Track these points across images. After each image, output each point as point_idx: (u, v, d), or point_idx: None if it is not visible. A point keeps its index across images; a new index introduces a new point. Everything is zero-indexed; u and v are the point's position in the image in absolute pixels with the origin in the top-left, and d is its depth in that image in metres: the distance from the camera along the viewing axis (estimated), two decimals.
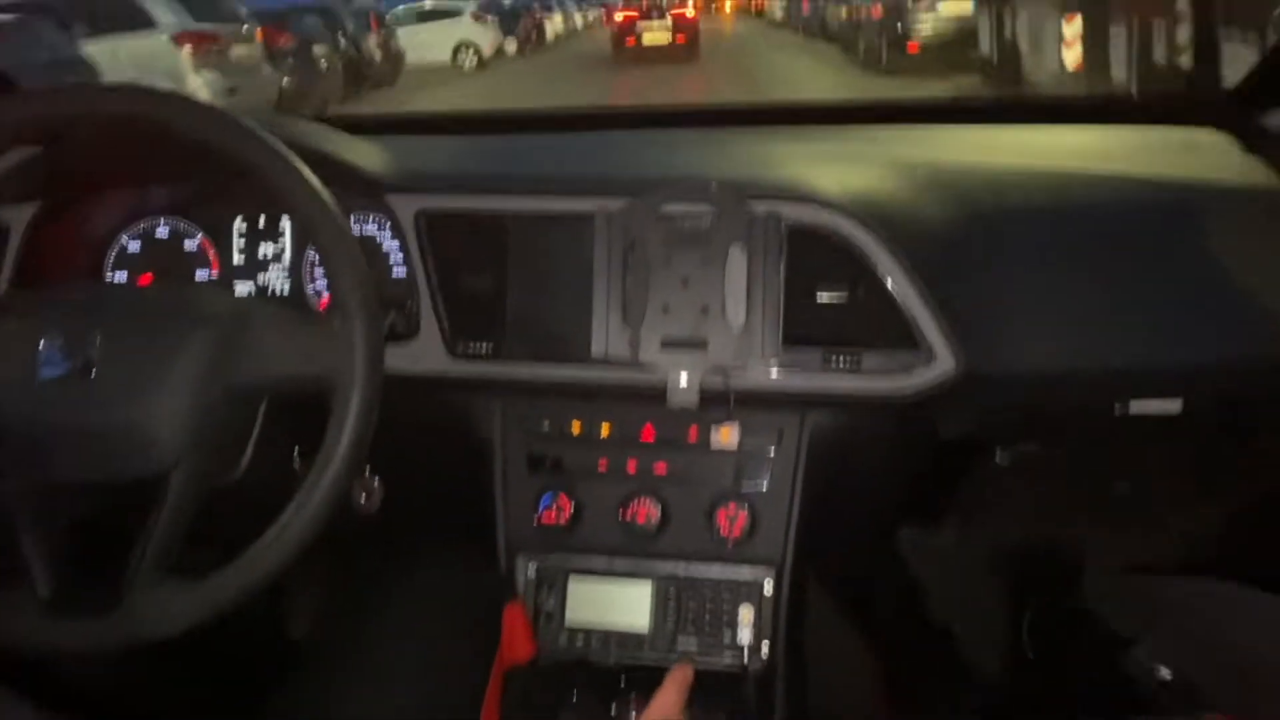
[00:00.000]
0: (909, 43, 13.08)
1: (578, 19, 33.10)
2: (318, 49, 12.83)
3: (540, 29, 25.47)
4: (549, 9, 28.09)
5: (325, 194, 1.08)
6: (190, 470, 1.07)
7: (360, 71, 14.31)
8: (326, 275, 1.09)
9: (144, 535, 1.05)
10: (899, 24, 13.27)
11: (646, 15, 18.07)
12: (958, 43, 12.42)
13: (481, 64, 19.41)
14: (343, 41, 14.03)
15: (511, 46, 22.17)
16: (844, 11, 16.92)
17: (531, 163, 1.60)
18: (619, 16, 18.86)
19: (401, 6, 20.11)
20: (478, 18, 20.31)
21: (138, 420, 1.06)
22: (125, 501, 1.08)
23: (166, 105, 1.08)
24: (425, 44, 18.75)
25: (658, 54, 17.62)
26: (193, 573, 1.06)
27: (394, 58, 16.23)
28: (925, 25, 12.96)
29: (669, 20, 17.96)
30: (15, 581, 1.07)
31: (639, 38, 18.04)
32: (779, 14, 32.10)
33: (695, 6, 20.07)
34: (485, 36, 20.11)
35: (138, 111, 1.08)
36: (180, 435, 1.07)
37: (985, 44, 11.66)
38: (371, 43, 15.24)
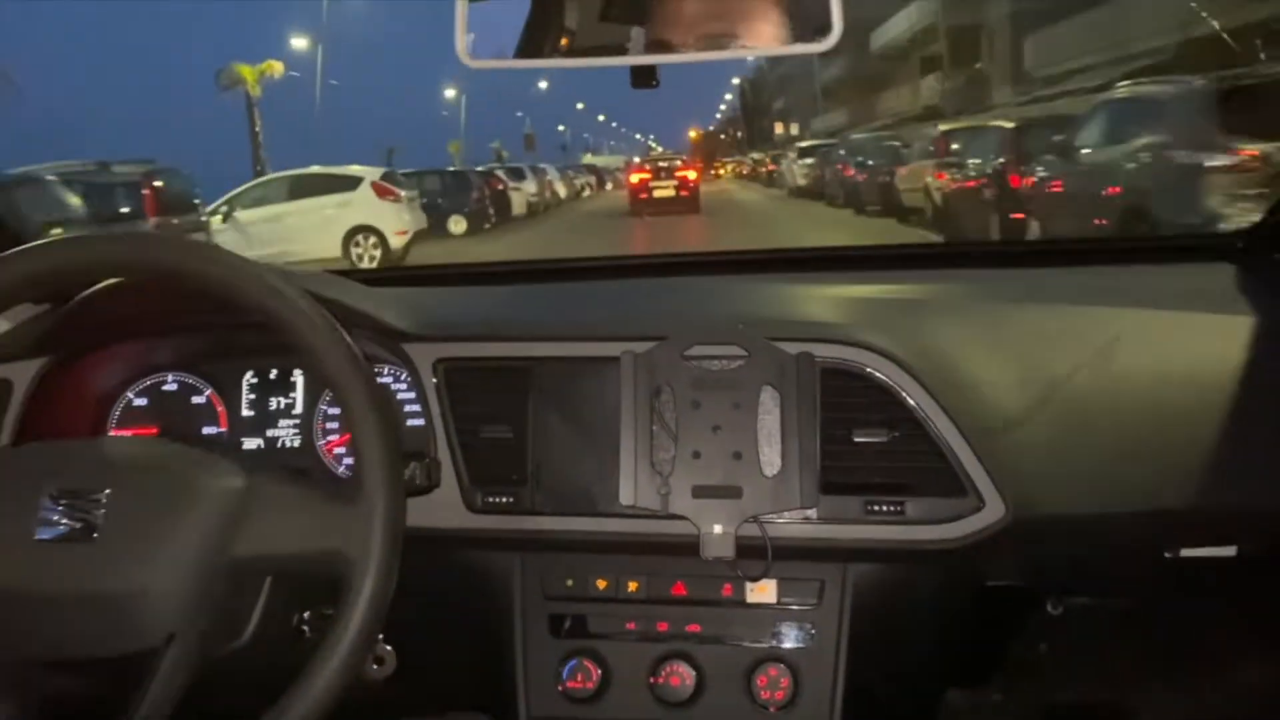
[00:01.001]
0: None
1: (559, 187, 28.84)
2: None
3: (502, 200, 20.76)
4: (519, 175, 23.72)
5: (360, 358, 1.04)
6: (184, 646, 1.00)
7: None
8: (354, 446, 1.03)
9: (124, 714, 0.97)
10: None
11: (657, 176, 23.98)
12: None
13: (390, 254, 13.93)
14: None
15: (459, 227, 18.20)
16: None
17: (551, 309, 1.57)
18: (635, 179, 25.05)
19: (255, 183, 15.25)
20: (384, 191, 14.32)
21: (135, 589, 0.99)
22: (107, 676, 1.00)
23: (192, 255, 1.05)
24: (296, 231, 13.54)
25: (666, 204, 22.98)
26: None
27: None
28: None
29: (675, 180, 23.84)
30: None
31: (651, 192, 23.57)
32: (799, 178, 25.74)
33: (695, 170, 26.51)
34: (393, 218, 14.35)
35: (164, 260, 1.05)
36: (178, 608, 1.00)
37: None
38: None
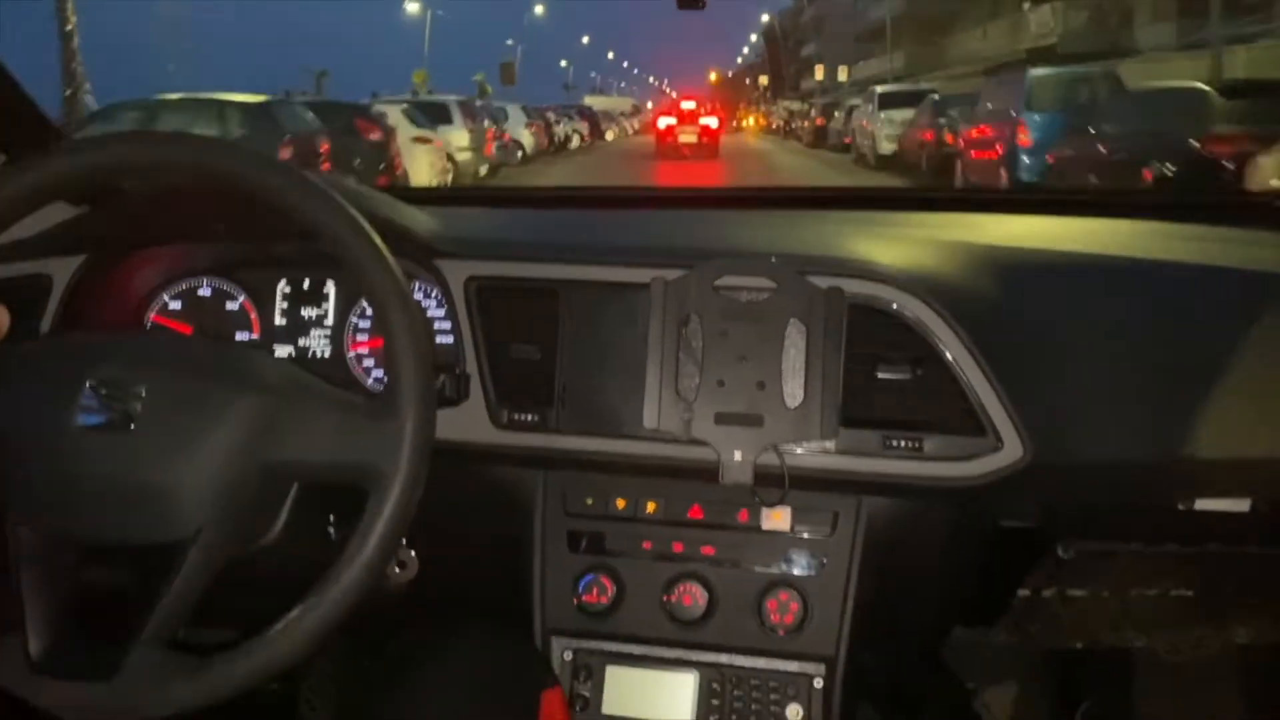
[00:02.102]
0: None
1: (523, 136, 22.33)
2: None
3: (375, 155, 12.81)
4: (436, 117, 15.68)
5: (398, 272, 1.05)
6: (208, 542, 1.02)
7: None
8: (386, 357, 1.04)
9: (150, 604, 0.99)
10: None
11: (682, 123, 27.59)
12: None
13: None
14: None
15: None
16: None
17: (583, 235, 1.57)
18: (662, 124, 28.46)
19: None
20: None
21: (167, 482, 1.01)
22: (136, 566, 1.02)
23: (243, 160, 1.05)
24: None
25: (688, 149, 26.61)
26: (199, 651, 1.00)
27: None
28: None
29: (697, 127, 27.39)
30: (8, 630, 1.01)
31: (676, 137, 27.17)
32: (884, 141, 18.83)
33: (719, 118, 29.99)
34: None
35: (216, 163, 1.05)
36: (206, 504, 1.02)
37: None
38: None
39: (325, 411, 1.05)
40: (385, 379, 1.27)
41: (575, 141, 30.33)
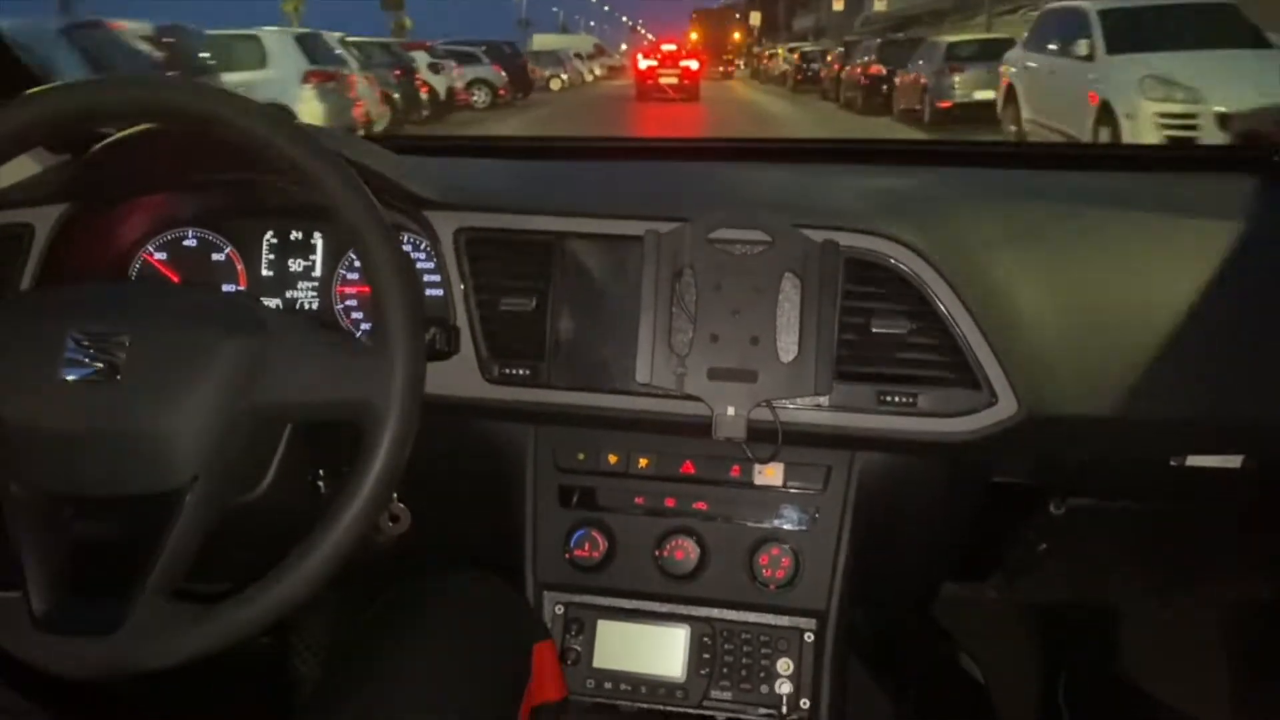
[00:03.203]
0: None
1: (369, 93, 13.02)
2: None
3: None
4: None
5: (382, 213, 1.03)
6: (205, 489, 1.01)
7: None
8: (374, 297, 1.03)
9: (150, 555, 0.99)
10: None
11: (663, 65, 27.96)
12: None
13: None
14: None
15: None
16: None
17: (575, 186, 1.55)
18: (643, 66, 28.48)
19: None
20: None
21: (159, 431, 1.00)
22: (134, 517, 1.01)
23: (227, 104, 1.03)
24: None
25: (668, 89, 26.99)
26: (200, 600, 0.99)
27: None
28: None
29: (677, 69, 27.74)
30: (9, 590, 1.00)
31: (658, 78, 27.56)
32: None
33: (699, 61, 29.94)
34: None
35: (199, 107, 1.03)
36: (200, 451, 1.01)
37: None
38: None
39: (314, 351, 1.04)
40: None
41: (482, 97, 20.52)
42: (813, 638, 1.40)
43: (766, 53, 45.47)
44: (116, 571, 0.99)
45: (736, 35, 53.93)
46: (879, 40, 20.66)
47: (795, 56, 31.77)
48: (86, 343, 1.01)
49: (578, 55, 37.13)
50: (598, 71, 40.16)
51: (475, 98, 20.51)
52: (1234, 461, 1.43)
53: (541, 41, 39.72)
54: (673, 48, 28.83)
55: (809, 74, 27.87)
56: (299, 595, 0.99)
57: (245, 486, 1.12)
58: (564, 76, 32.07)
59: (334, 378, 1.03)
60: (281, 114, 1.05)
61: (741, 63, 52.03)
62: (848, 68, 20.74)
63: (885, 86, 17.47)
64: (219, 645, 0.98)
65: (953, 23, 26.14)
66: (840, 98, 21.03)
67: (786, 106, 23.90)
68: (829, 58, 25.40)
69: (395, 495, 1.50)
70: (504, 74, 21.84)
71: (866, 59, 18.99)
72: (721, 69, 47.05)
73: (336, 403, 1.03)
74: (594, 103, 26.31)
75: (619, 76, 40.47)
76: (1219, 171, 1.67)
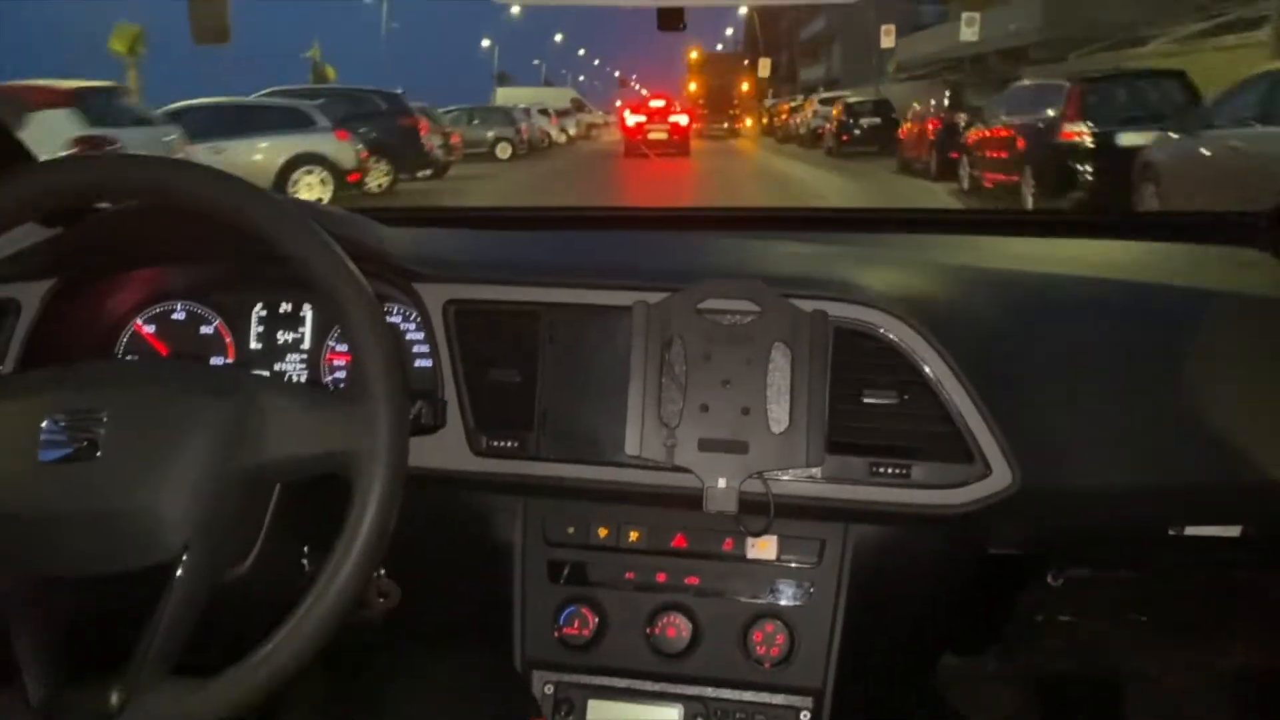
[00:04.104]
0: None
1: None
2: None
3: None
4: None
5: (352, 265, 1.03)
6: (198, 559, 0.99)
7: None
8: (351, 350, 1.02)
9: (146, 631, 0.97)
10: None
11: (652, 120, 26.77)
12: None
13: None
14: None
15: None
16: None
17: (564, 255, 1.55)
18: (631, 122, 27.46)
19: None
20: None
21: (145, 504, 0.99)
22: (128, 594, 1.00)
23: (202, 180, 1.03)
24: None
25: (657, 144, 25.63)
26: (196, 673, 0.97)
27: None
28: None
29: (667, 124, 26.57)
30: (6, 683, 0.98)
31: (646, 134, 26.34)
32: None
33: (689, 115, 28.73)
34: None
35: (175, 185, 1.03)
36: (189, 520, 0.99)
37: None
38: None
39: (295, 407, 1.03)
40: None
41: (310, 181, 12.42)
42: (809, 716, 1.37)
43: (786, 105, 35.58)
44: (114, 651, 0.97)
45: (745, 85, 43.47)
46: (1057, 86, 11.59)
47: (836, 110, 23.11)
48: (63, 422, 1.00)
49: (543, 111, 28.89)
50: (572, 130, 31.90)
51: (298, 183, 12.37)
52: (1233, 531, 1.41)
53: (506, 96, 33.97)
54: (661, 103, 27.50)
55: (859, 133, 21.34)
56: (303, 654, 0.97)
57: (235, 557, 1.10)
58: (515, 138, 23.27)
59: (318, 432, 1.02)
60: (255, 186, 1.05)
61: (749, 119, 41.97)
62: (974, 129, 13.43)
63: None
64: (223, 714, 0.96)
65: (1039, 61, 20.94)
66: (962, 175, 13.63)
67: (855, 185, 16.16)
68: (918, 118, 17.50)
69: (384, 571, 1.48)
70: (359, 143, 13.19)
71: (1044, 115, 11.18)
72: (726, 125, 38.75)
73: (323, 456, 1.02)
74: (546, 181, 18.24)
75: (602, 135, 34.44)
76: (1213, 240, 1.68)
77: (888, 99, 22.49)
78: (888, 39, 27.83)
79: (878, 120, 21.37)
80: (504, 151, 22.69)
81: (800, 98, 35.73)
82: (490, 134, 22.74)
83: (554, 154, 26.15)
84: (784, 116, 34.13)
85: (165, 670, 0.97)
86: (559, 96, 35.53)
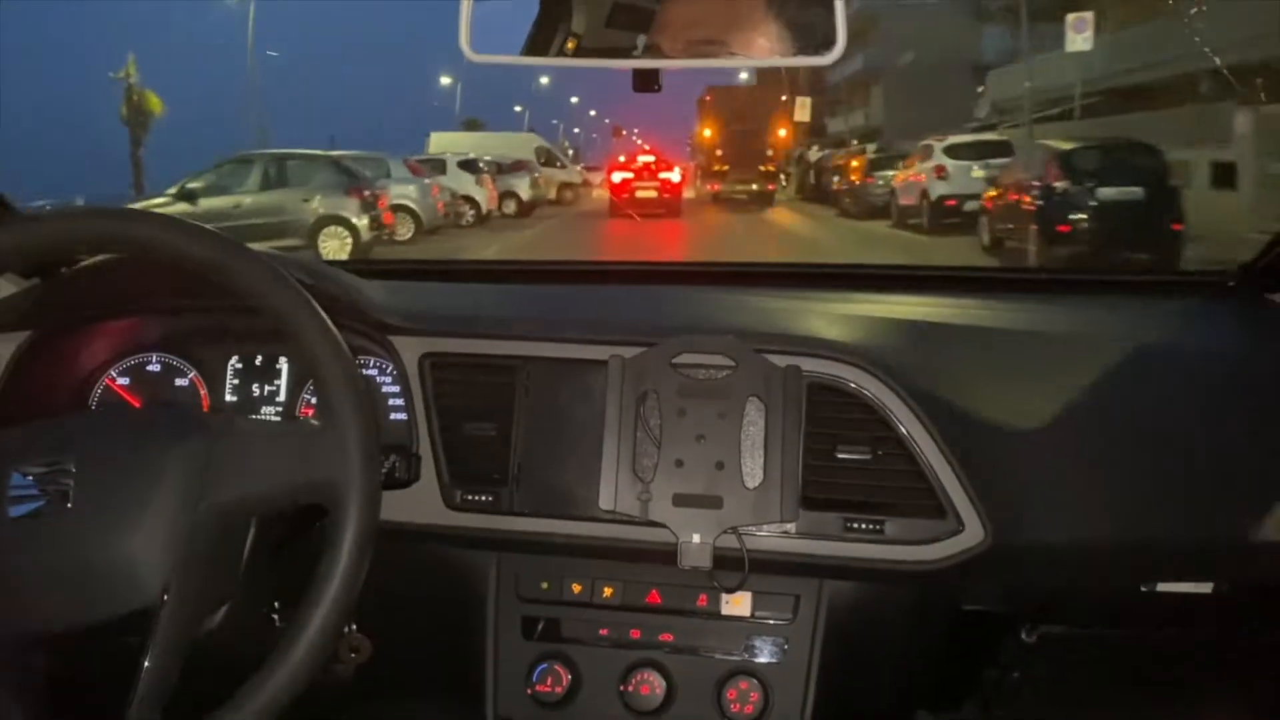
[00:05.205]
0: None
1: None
2: None
3: None
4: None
5: (314, 302, 1.04)
6: (180, 600, 0.98)
7: None
8: (316, 384, 1.03)
9: (131, 681, 0.95)
10: None
11: (639, 178, 22.67)
12: None
13: None
14: None
15: None
16: None
17: (540, 310, 1.56)
18: (618, 179, 23.11)
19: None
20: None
21: (121, 551, 0.98)
22: (112, 645, 0.99)
23: (172, 228, 1.04)
24: None
25: (647, 204, 21.61)
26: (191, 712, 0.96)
27: None
28: None
29: (656, 182, 22.51)
30: None
31: (634, 192, 22.22)
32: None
33: (681, 171, 24.02)
34: None
35: (147, 235, 1.04)
36: (167, 562, 0.98)
37: None
38: None
39: (265, 441, 1.04)
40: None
41: None
42: None
43: (852, 158, 21.85)
44: (99, 705, 0.96)
45: (782, 131, 30.52)
46: None
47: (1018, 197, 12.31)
48: (31, 476, 0.99)
49: (465, 164, 18.60)
50: (525, 194, 20.92)
51: None
52: (1205, 587, 1.42)
53: (440, 143, 25.03)
54: (650, 158, 23.41)
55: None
56: (275, 705, 0.95)
57: (216, 597, 1.08)
58: (409, 215, 14.62)
59: (289, 462, 1.02)
60: (228, 239, 1.06)
61: (783, 176, 28.56)
62: None
63: None
64: None
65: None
66: None
67: None
68: None
69: (354, 625, 1.46)
70: None
71: None
72: (755, 186, 24.83)
73: (296, 486, 1.02)
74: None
75: (580, 199, 25.63)
76: (1185, 296, 1.70)
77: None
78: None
79: (1138, 194, 10.86)
80: (403, 230, 14.24)
81: (864, 147, 23.39)
82: (313, 203, 12.79)
83: (474, 237, 16.20)
84: (851, 176, 20.39)
85: (159, 711, 0.96)
86: (518, 144, 25.24)
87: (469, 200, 17.77)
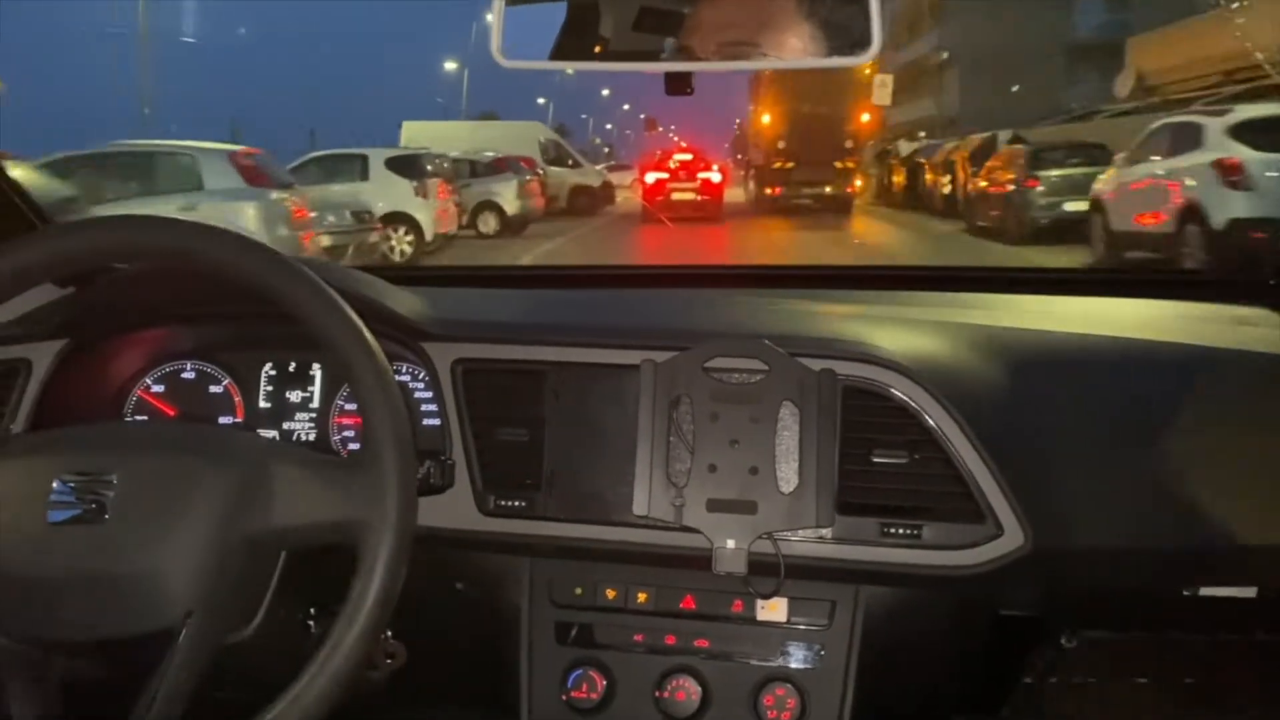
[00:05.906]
0: None
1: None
2: None
3: None
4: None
5: (366, 332, 1.03)
6: (201, 625, 0.99)
7: None
8: (361, 413, 1.03)
9: (148, 695, 0.96)
10: None
11: (675, 178, 20.25)
12: None
13: None
14: None
15: None
16: None
17: (572, 315, 1.56)
18: (650, 180, 20.78)
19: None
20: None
21: (150, 568, 0.99)
22: (129, 659, 0.99)
23: (218, 242, 1.04)
24: None
25: (684, 206, 19.44)
26: None
27: None
28: None
29: (694, 182, 20.02)
30: None
31: (669, 194, 19.93)
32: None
33: (722, 173, 21.13)
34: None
35: (191, 246, 1.04)
36: (194, 585, 0.99)
37: None
38: None
39: (303, 475, 1.03)
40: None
41: None
42: None
43: (998, 169, 13.85)
44: (112, 716, 0.96)
45: (865, 116, 22.46)
46: None
47: None
48: (73, 484, 1.00)
49: (400, 163, 13.01)
50: (510, 205, 15.81)
51: None
52: (1249, 592, 1.39)
53: (415, 134, 20.25)
54: (688, 156, 20.55)
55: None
56: (311, 715, 0.95)
57: (240, 620, 1.09)
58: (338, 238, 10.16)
59: (325, 500, 1.02)
60: (267, 248, 1.06)
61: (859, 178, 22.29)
62: None
63: None
64: None
65: None
66: None
67: None
68: None
69: (389, 632, 1.47)
70: None
71: None
72: (829, 188, 20.75)
73: (328, 524, 1.02)
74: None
75: (595, 206, 21.31)
76: (1221, 298, 1.68)
77: None
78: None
79: None
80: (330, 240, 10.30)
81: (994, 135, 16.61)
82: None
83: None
84: (992, 178, 14.11)
85: None
86: (517, 136, 20.74)
87: (399, 222, 12.17)
